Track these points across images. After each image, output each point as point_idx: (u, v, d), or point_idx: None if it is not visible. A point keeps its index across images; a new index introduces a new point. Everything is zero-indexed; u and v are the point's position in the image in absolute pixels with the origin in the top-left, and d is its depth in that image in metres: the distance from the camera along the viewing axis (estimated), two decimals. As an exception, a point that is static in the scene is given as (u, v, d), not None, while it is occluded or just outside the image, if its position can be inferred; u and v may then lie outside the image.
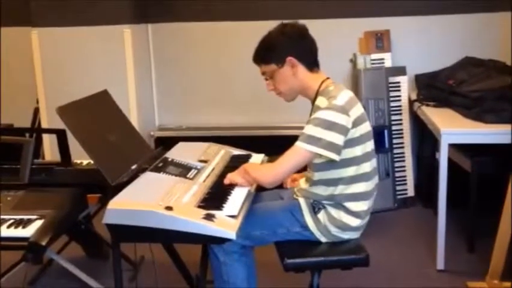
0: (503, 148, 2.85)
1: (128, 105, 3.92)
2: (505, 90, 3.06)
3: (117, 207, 1.88)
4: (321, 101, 2.10)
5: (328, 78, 2.20)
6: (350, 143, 2.08)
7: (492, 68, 3.50)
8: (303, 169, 2.24)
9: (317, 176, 2.16)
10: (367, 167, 2.16)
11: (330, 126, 2.02)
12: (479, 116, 3.01)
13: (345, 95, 2.10)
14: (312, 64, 2.19)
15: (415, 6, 4.02)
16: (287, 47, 2.14)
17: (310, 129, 2.04)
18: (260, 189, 2.32)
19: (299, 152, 2.05)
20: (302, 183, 2.31)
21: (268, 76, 2.21)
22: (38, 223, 2.11)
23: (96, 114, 2.42)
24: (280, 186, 2.45)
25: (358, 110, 2.12)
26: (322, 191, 2.16)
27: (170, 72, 4.37)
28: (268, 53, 2.17)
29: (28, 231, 2.05)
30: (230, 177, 2.20)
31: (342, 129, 2.03)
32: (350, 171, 2.12)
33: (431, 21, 4.05)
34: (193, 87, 4.37)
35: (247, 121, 4.27)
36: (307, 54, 2.18)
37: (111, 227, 1.89)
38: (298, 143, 2.05)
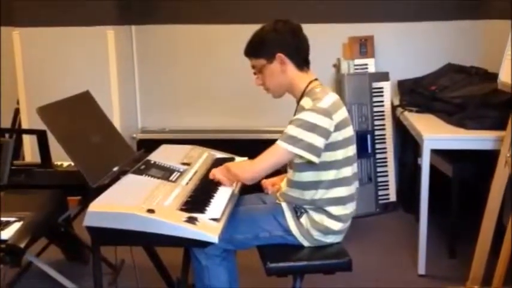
0: (485, 154, 2.87)
1: (111, 107, 3.89)
2: (486, 97, 3.09)
3: (97, 210, 1.86)
4: (305, 102, 2.10)
5: (316, 79, 2.21)
6: (332, 147, 2.08)
7: (474, 75, 3.53)
8: (283, 172, 2.24)
9: (297, 176, 2.16)
10: (348, 171, 2.16)
11: (312, 128, 2.02)
12: (461, 122, 3.03)
13: (330, 98, 2.10)
14: (302, 63, 2.19)
15: (399, 13, 4.06)
16: (277, 44, 2.15)
17: (291, 130, 2.04)
18: (243, 192, 2.32)
19: (279, 151, 2.06)
20: (283, 185, 2.30)
21: (257, 70, 2.21)
22: (17, 225, 2.06)
23: (78, 115, 2.39)
24: (262, 191, 2.45)
25: (342, 113, 2.12)
26: (301, 194, 2.16)
27: (153, 74, 4.35)
28: (258, 48, 2.18)
29: (6, 234, 2.00)
30: (214, 172, 2.23)
31: (324, 132, 2.04)
32: (330, 174, 2.12)
33: (415, 27, 4.08)
34: (176, 90, 4.35)
35: (231, 124, 4.25)
36: (298, 52, 2.18)
37: (91, 230, 1.87)
38: (278, 142, 2.05)
